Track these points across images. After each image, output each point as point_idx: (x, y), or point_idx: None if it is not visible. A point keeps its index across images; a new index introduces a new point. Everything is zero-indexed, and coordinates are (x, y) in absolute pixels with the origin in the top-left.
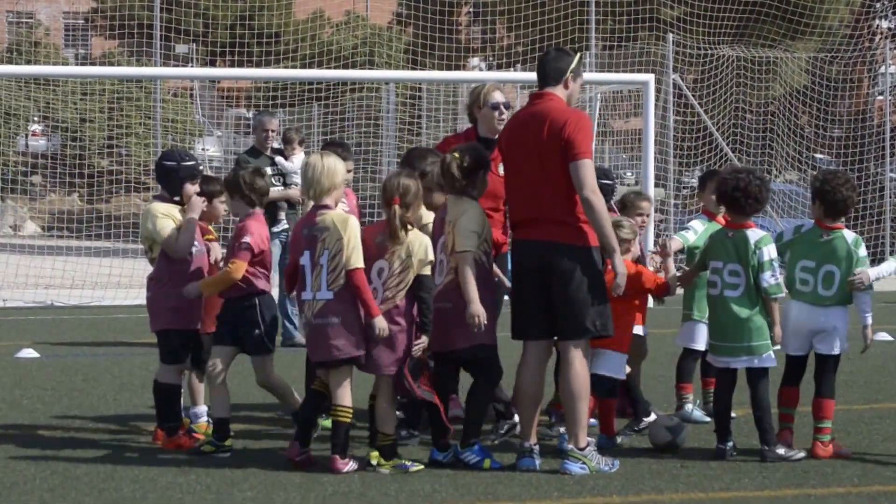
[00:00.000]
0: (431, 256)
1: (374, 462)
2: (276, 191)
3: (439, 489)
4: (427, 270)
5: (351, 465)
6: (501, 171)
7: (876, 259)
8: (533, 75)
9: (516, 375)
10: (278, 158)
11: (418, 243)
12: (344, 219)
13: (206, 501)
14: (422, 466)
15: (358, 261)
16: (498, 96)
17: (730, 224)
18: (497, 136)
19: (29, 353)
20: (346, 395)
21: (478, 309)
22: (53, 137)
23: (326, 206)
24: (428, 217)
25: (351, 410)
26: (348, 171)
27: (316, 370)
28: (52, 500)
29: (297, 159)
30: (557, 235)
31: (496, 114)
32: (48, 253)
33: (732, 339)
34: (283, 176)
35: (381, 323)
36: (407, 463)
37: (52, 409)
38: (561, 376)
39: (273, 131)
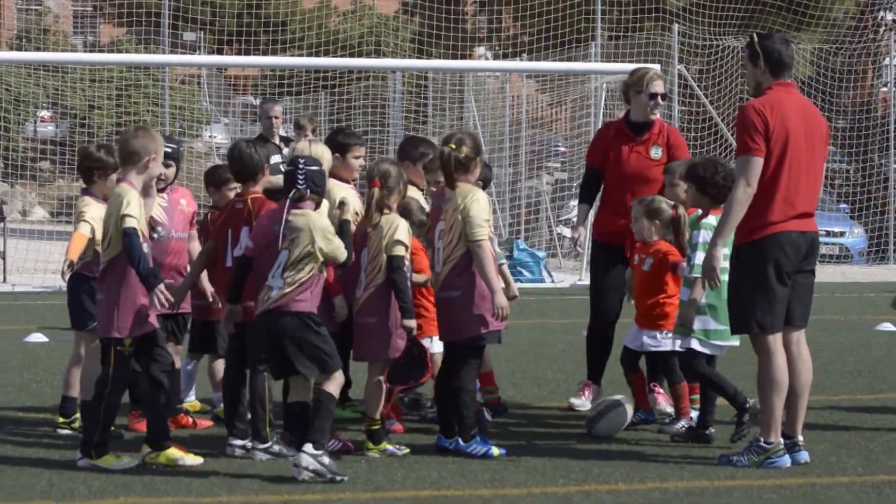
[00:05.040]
0: (403, 237)
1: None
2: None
3: (446, 476)
4: (398, 251)
5: (331, 444)
6: (654, 153)
7: (879, 250)
8: (539, 64)
9: (773, 370)
10: (287, 151)
11: (388, 225)
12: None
13: (215, 485)
14: (408, 450)
15: None
16: (658, 86)
17: (719, 210)
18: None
19: (38, 337)
20: None
21: (502, 300)
22: (62, 124)
23: None
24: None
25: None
26: (357, 158)
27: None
28: (61, 482)
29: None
30: (816, 227)
31: (652, 103)
32: (56, 238)
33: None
34: None
35: (339, 301)
36: (395, 447)
37: (61, 393)
38: (801, 366)
39: (277, 118)
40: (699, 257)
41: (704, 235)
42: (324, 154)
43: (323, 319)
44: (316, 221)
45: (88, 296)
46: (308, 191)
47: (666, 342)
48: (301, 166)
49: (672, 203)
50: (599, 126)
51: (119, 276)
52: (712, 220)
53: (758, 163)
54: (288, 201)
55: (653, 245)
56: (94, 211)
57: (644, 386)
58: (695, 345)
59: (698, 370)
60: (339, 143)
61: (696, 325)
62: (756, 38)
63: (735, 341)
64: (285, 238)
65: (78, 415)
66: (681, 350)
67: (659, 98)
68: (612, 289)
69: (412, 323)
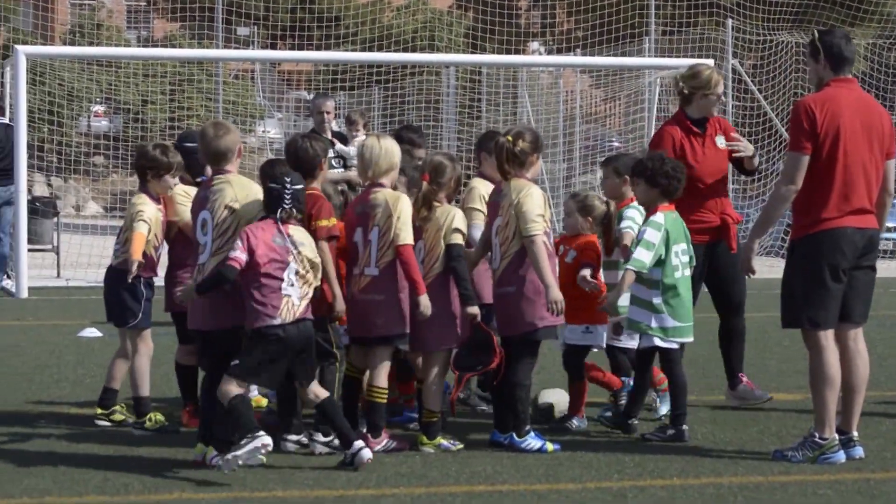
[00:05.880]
0: (460, 226)
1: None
2: (336, 173)
3: (500, 471)
4: (456, 239)
5: (385, 444)
6: (720, 143)
7: None
8: (593, 59)
9: (824, 365)
10: (339, 146)
11: (444, 215)
12: (396, 197)
13: (269, 480)
14: (462, 445)
15: (407, 237)
16: (722, 87)
17: (667, 207)
18: (707, 116)
19: (91, 332)
20: (382, 376)
21: (557, 294)
22: (115, 118)
23: (381, 185)
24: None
25: (386, 391)
26: (419, 159)
27: (351, 351)
28: (116, 477)
29: (359, 141)
30: (876, 224)
31: (719, 102)
32: (110, 233)
33: (690, 318)
34: (342, 158)
35: (425, 301)
36: (449, 443)
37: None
38: (859, 362)
39: (329, 113)
40: (639, 252)
41: (650, 234)
42: (393, 149)
43: (397, 318)
44: (309, 238)
45: (128, 292)
46: (293, 210)
47: (588, 337)
48: (288, 186)
49: (604, 199)
50: (654, 121)
51: None
52: (660, 217)
53: (803, 161)
54: (277, 221)
55: (578, 238)
56: (151, 211)
57: (584, 395)
58: (658, 342)
59: (673, 372)
60: (403, 139)
61: (653, 323)
62: (817, 35)
63: (690, 337)
64: (289, 252)
65: (117, 407)
66: (637, 347)
67: (721, 97)
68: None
69: (475, 309)
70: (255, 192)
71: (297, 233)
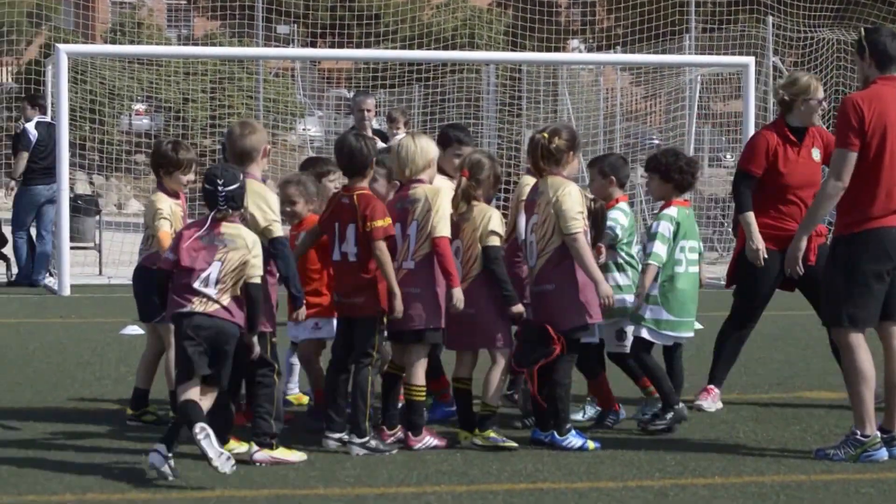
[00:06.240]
0: (497, 227)
1: (472, 440)
2: None
3: (541, 469)
4: (493, 241)
5: (426, 441)
6: (815, 156)
7: None
8: (633, 57)
9: (857, 362)
10: (379, 144)
11: (482, 216)
12: (436, 191)
13: (311, 478)
14: (515, 444)
15: (444, 230)
16: (822, 92)
17: (681, 202)
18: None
19: (133, 329)
20: (420, 374)
21: (607, 289)
22: (157, 117)
23: (419, 181)
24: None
25: (424, 389)
26: (458, 155)
27: (392, 349)
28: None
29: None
30: None
31: (820, 108)
32: None
33: (692, 312)
34: None
35: (458, 294)
36: (499, 437)
37: (156, 385)
38: None
39: (369, 111)
40: (656, 246)
41: (664, 227)
42: (429, 146)
43: (433, 312)
44: (248, 236)
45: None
46: (229, 209)
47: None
48: (220, 189)
49: (592, 197)
50: (695, 118)
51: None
52: (673, 211)
53: (851, 157)
54: (210, 220)
55: None
56: (169, 207)
57: (607, 387)
58: (645, 334)
59: (643, 360)
60: (451, 137)
61: (647, 315)
62: (863, 33)
63: (689, 333)
64: (218, 250)
65: (148, 408)
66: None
67: (823, 103)
68: (769, 295)
69: (519, 308)
70: (270, 200)
71: (231, 229)
